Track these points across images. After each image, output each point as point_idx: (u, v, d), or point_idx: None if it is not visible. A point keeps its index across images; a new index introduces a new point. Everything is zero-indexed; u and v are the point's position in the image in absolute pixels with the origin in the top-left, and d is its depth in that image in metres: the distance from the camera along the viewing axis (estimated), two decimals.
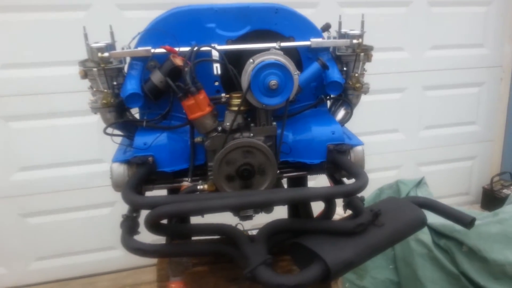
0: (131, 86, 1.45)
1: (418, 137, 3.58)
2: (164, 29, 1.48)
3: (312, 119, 1.59)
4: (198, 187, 1.48)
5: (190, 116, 1.40)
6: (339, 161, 1.49)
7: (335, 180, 1.66)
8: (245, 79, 1.38)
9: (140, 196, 1.34)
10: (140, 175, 1.44)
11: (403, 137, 3.54)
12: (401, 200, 1.67)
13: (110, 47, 1.48)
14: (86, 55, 1.46)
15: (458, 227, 1.79)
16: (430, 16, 3.32)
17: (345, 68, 1.61)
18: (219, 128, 1.44)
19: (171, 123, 1.55)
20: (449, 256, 2.40)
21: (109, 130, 1.51)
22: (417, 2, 3.27)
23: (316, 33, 1.57)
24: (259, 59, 1.37)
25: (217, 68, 1.47)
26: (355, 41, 1.52)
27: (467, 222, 1.57)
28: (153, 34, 1.50)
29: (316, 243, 1.36)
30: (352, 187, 1.34)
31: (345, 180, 1.63)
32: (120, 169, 1.50)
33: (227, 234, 1.38)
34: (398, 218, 1.51)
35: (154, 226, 1.28)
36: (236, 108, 1.43)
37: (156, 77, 1.46)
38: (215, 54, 1.48)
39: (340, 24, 1.62)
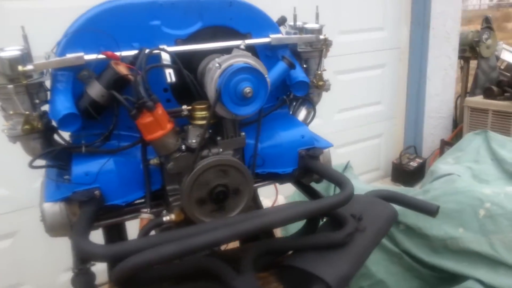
0: (63, 104, 1.13)
1: (333, 120, 3.67)
2: (98, 29, 1.18)
3: (276, 123, 1.44)
4: (164, 218, 1.24)
5: (148, 136, 1.14)
6: (315, 168, 1.37)
7: (302, 185, 1.55)
8: (211, 86, 1.17)
9: (102, 246, 1.06)
10: (88, 216, 1.15)
11: (320, 122, 3.59)
12: (367, 198, 1.62)
13: (26, 55, 1.13)
14: None
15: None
16: (336, 3, 3.37)
17: (305, 65, 1.48)
18: (183, 147, 1.21)
19: (113, 144, 1.27)
20: (388, 237, 2.48)
21: (37, 162, 1.18)
22: None
23: (274, 28, 1.41)
24: (227, 63, 1.16)
25: (170, 75, 1.22)
26: (321, 36, 1.40)
27: (433, 211, 1.59)
28: (82, 36, 1.18)
29: (308, 263, 1.24)
30: (343, 198, 1.23)
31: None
32: (56, 209, 1.19)
33: (210, 270, 1.18)
34: (375, 218, 1.46)
35: (127, 282, 1.02)
36: (202, 122, 1.21)
37: (95, 90, 1.16)
38: (165, 58, 1.23)
39: (295, 17, 1.48)
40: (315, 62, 1.47)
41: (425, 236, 2.27)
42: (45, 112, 1.21)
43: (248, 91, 1.14)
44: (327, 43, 1.42)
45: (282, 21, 1.46)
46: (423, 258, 2.24)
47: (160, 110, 1.14)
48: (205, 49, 1.29)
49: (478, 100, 3.81)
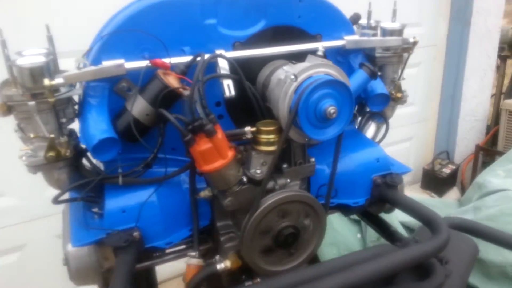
0: (98, 125, 0.89)
1: None
2: (140, 30, 0.93)
3: (344, 143, 1.19)
4: (217, 266, 1.00)
5: (205, 166, 0.90)
6: (395, 200, 1.13)
7: (368, 215, 1.31)
8: (284, 104, 0.92)
9: None
10: (128, 268, 0.91)
11: None
12: None
13: (52, 63, 0.88)
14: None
15: None
16: None
17: (379, 73, 1.23)
18: (244, 179, 0.96)
19: (154, 172, 1.02)
20: None
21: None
22: None
23: (348, 28, 1.15)
24: (304, 75, 0.91)
25: (229, 87, 0.97)
26: (411, 39, 1.14)
27: None
28: (121, 38, 0.93)
29: None
30: (438, 245, 0.99)
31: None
32: (84, 253, 0.95)
33: None
34: (458, 257, 1.22)
35: None
36: (268, 148, 0.96)
37: (138, 107, 0.92)
38: (223, 66, 0.98)
39: (369, 14, 1.22)
40: (393, 69, 1.21)
41: (480, 261, 2.03)
42: (72, 132, 0.97)
43: (332, 111, 0.89)
44: (413, 47, 1.16)
45: (356, 19, 1.21)
46: (475, 284, 2.01)
47: (220, 133, 0.90)
48: (270, 54, 1.04)
49: None
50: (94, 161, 1.02)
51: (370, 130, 1.28)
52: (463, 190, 3.55)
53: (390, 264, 0.95)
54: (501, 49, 3.85)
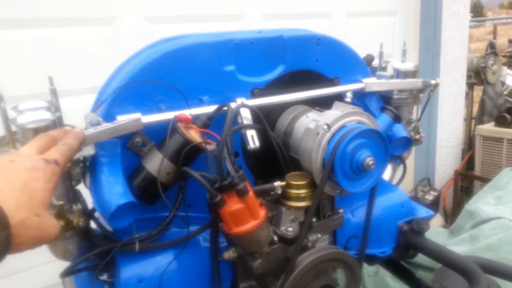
0: (116, 189, 0.78)
1: None
2: (160, 81, 0.84)
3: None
4: None
5: (236, 229, 0.81)
6: (425, 248, 1.07)
7: (389, 263, 1.24)
8: (317, 156, 0.85)
9: None
10: None
11: None
12: None
13: (58, 121, 0.78)
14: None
15: None
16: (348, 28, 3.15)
17: None
18: (275, 238, 0.88)
19: (170, 233, 0.92)
20: None
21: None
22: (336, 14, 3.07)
23: (363, 69, 1.12)
24: (337, 124, 0.85)
25: (252, 138, 0.90)
26: (433, 81, 1.11)
27: None
28: (134, 90, 0.84)
29: None
30: None
31: None
32: None
33: None
34: None
35: None
36: (299, 204, 0.89)
37: (158, 165, 0.82)
38: (245, 115, 0.90)
39: (381, 55, 1.20)
40: (409, 110, 1.18)
41: None
42: (78, 194, 0.85)
43: (371, 162, 0.83)
44: (434, 89, 1.13)
45: (370, 60, 1.17)
46: None
47: (251, 192, 0.81)
48: (292, 100, 0.98)
49: (490, 128, 3.66)
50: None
51: (386, 172, 1.24)
52: (446, 216, 3.58)
53: None
54: (468, 76, 4.00)
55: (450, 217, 3.61)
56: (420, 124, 1.21)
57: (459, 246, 2.26)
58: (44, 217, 0.55)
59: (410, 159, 3.93)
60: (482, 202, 2.47)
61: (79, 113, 0.88)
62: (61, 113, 0.79)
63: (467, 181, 3.91)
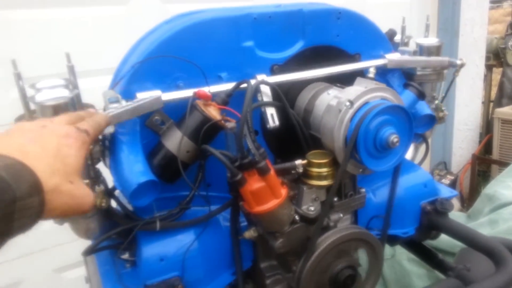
0: (134, 167, 0.77)
1: None
2: (179, 57, 0.82)
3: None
4: None
5: (256, 208, 0.79)
6: (449, 228, 1.05)
7: (411, 244, 1.22)
8: (339, 133, 0.83)
9: None
10: None
11: None
12: None
13: (76, 98, 0.77)
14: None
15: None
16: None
17: None
18: (296, 217, 0.86)
19: (190, 212, 0.91)
20: None
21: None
22: None
23: (386, 45, 1.08)
24: (360, 101, 0.82)
25: (272, 116, 0.88)
26: (459, 61, 1.07)
27: None
28: (152, 67, 0.83)
29: None
30: (506, 280, 0.91)
31: None
32: None
33: None
34: None
35: None
36: (321, 182, 0.87)
37: (177, 143, 0.81)
38: (265, 92, 0.88)
39: (403, 29, 1.16)
40: (432, 87, 1.14)
41: None
42: (98, 173, 0.85)
43: (395, 140, 0.81)
44: (459, 69, 1.10)
45: (392, 35, 1.14)
46: None
47: (272, 170, 0.80)
48: (312, 77, 0.95)
49: (509, 111, 3.57)
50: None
51: (409, 152, 1.20)
52: (462, 200, 3.53)
53: None
54: (487, 58, 3.90)
55: (467, 201, 3.56)
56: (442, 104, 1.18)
57: (478, 230, 2.22)
58: (78, 184, 0.54)
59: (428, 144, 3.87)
60: (501, 186, 2.42)
61: (94, 94, 0.87)
62: (79, 90, 0.78)
63: (485, 165, 3.83)
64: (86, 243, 0.90)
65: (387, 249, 2.36)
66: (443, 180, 3.55)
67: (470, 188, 3.60)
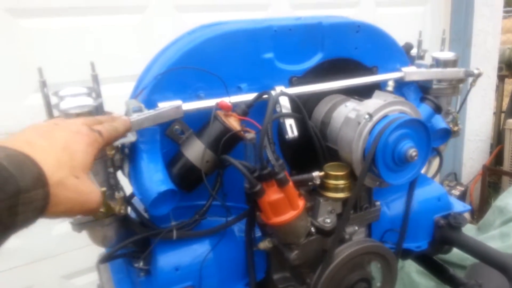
0: (154, 176, 0.78)
1: None
2: (197, 68, 0.84)
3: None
4: None
5: (275, 219, 0.80)
6: (462, 243, 1.05)
7: (422, 258, 1.22)
8: (358, 146, 0.83)
9: None
10: None
11: None
12: None
13: (101, 107, 0.78)
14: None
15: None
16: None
17: None
18: (312, 229, 0.86)
19: (205, 223, 0.92)
20: None
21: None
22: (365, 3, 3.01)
23: (403, 58, 1.09)
24: (380, 114, 0.83)
25: (291, 127, 0.88)
26: (476, 70, 1.08)
27: None
28: (174, 77, 0.84)
29: None
30: None
31: None
32: None
33: None
34: None
35: None
36: (338, 195, 0.87)
37: (197, 152, 0.82)
38: (284, 104, 0.89)
39: (420, 43, 1.16)
40: (447, 101, 1.14)
41: None
42: (117, 181, 0.86)
43: (414, 154, 0.81)
44: (476, 79, 1.10)
45: (408, 48, 1.14)
46: None
47: (290, 182, 0.80)
48: (330, 89, 0.96)
49: None
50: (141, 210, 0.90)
51: None
52: (472, 212, 3.50)
53: None
54: (499, 69, 3.88)
55: (477, 213, 3.53)
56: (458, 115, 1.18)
57: (488, 243, 2.20)
58: (84, 181, 0.52)
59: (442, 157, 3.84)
60: (511, 197, 2.40)
61: (111, 101, 0.88)
62: (102, 99, 0.79)
63: (496, 176, 3.81)
64: (94, 249, 0.90)
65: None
66: (453, 191, 3.53)
67: (480, 199, 3.57)
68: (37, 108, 0.83)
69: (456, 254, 2.02)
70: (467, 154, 3.72)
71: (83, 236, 0.92)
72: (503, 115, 4.04)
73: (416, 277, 2.29)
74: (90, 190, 0.53)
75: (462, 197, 3.54)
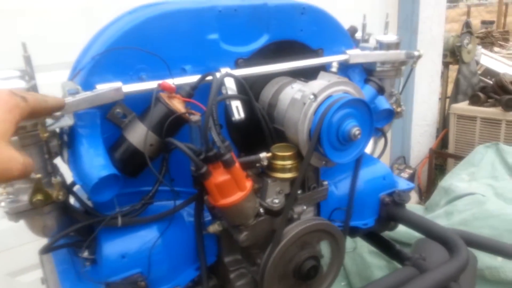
0: (95, 161, 0.75)
1: None
2: (141, 49, 0.81)
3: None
4: None
5: (222, 201, 0.79)
6: (406, 219, 1.09)
7: (370, 235, 1.26)
8: (303, 126, 0.84)
9: None
10: None
11: None
12: None
13: (33, 88, 0.74)
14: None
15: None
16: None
17: None
18: (261, 210, 0.87)
19: (153, 208, 0.90)
20: None
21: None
22: None
23: (347, 41, 1.10)
24: (324, 94, 0.84)
25: (237, 109, 0.88)
26: (416, 52, 1.11)
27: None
28: (114, 58, 0.81)
29: None
30: (458, 267, 0.96)
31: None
32: None
33: None
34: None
35: None
36: (285, 175, 0.88)
37: (140, 136, 0.79)
38: (230, 86, 0.88)
39: (364, 26, 1.18)
40: (391, 83, 1.18)
41: None
42: (55, 168, 0.82)
43: (357, 132, 0.83)
44: (417, 60, 1.13)
45: (353, 32, 1.16)
46: None
47: (237, 163, 0.80)
48: (276, 71, 0.96)
49: (464, 107, 3.74)
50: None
51: (368, 146, 1.23)
52: (420, 193, 3.66)
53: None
54: (444, 56, 4.06)
55: (425, 194, 3.70)
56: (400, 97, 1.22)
57: (434, 221, 2.32)
58: (2, 148, 0.49)
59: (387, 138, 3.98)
60: (456, 179, 2.53)
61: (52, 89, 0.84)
62: (35, 81, 0.75)
63: (441, 159, 4.00)
64: (40, 245, 0.86)
65: (349, 242, 2.43)
66: (402, 174, 3.67)
67: (427, 181, 3.75)
68: None
69: (403, 233, 2.12)
70: (415, 138, 3.88)
71: (27, 232, 0.87)
72: (448, 100, 4.25)
73: (368, 257, 2.37)
74: (10, 158, 0.50)
75: (411, 179, 3.69)
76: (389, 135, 4.32)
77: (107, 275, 0.82)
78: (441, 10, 3.77)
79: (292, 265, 0.89)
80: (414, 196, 3.68)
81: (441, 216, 2.30)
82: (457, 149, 3.72)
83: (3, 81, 0.73)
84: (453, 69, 4.33)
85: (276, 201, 0.88)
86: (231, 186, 0.79)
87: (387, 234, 1.41)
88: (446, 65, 4.18)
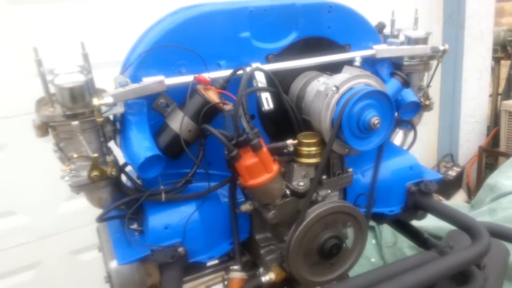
0: (142, 143, 0.88)
1: None
2: (182, 46, 0.92)
3: (375, 152, 1.19)
4: (262, 278, 0.99)
5: (250, 181, 0.89)
6: (431, 207, 1.13)
7: (399, 223, 1.31)
8: (326, 116, 0.92)
9: None
10: (177, 280, 0.90)
11: None
12: None
13: (91, 82, 0.87)
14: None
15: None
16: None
17: None
18: (287, 192, 0.96)
19: (193, 188, 1.01)
20: None
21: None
22: None
23: (375, 37, 1.16)
24: (345, 86, 0.91)
25: (267, 100, 0.97)
26: (441, 46, 1.15)
27: None
28: (158, 55, 0.93)
29: None
30: (479, 251, 0.99)
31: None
32: (128, 270, 0.94)
33: None
34: (493, 261, 1.22)
35: None
36: (310, 160, 0.96)
37: (179, 123, 0.91)
38: (260, 79, 0.97)
39: (393, 22, 1.23)
40: (419, 77, 1.22)
41: None
42: (110, 150, 0.95)
43: (376, 121, 0.89)
44: (443, 55, 1.17)
45: (381, 28, 1.21)
46: None
47: (265, 147, 0.89)
48: (304, 65, 1.04)
49: None
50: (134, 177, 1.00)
51: (398, 138, 1.29)
52: (469, 192, 3.57)
53: (436, 272, 0.95)
54: (494, 50, 3.91)
55: (474, 193, 3.59)
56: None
57: (478, 218, 2.28)
58: None
59: (433, 135, 3.90)
60: (503, 176, 2.47)
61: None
62: (92, 75, 0.88)
63: (492, 157, 3.86)
64: None
65: (389, 238, 2.45)
66: (449, 172, 3.59)
67: (477, 180, 3.64)
68: (36, 92, 0.92)
69: (435, 226, 2.11)
70: (463, 136, 3.78)
71: (88, 215, 1.02)
72: (499, 97, 4.09)
73: (408, 252, 2.38)
74: None
75: (459, 178, 3.61)
76: (435, 132, 4.21)
77: (152, 243, 0.94)
78: (490, 3, 3.64)
79: (316, 243, 0.97)
80: (462, 194, 3.59)
81: (485, 213, 2.27)
82: (508, 148, 3.59)
83: (66, 75, 0.87)
84: (505, 65, 4.16)
85: (301, 184, 0.96)
86: (259, 168, 0.88)
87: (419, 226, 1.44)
88: (497, 60, 4.02)
